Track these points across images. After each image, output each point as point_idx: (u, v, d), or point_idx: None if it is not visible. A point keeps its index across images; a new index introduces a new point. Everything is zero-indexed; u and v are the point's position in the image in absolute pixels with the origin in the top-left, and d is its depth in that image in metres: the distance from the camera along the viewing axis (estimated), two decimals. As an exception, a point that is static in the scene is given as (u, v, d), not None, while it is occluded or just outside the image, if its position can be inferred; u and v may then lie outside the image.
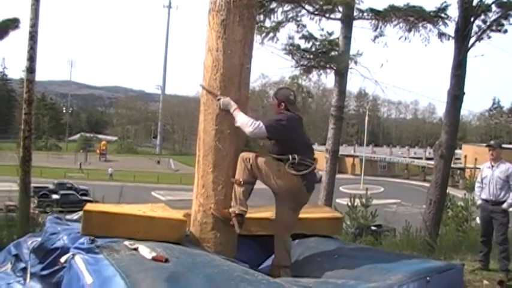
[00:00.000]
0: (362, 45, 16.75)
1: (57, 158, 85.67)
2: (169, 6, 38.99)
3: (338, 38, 16.34)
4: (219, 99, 5.14)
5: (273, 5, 15.16)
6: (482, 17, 18.68)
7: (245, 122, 5.04)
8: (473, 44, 18.25)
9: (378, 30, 16.53)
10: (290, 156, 5.02)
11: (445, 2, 17.16)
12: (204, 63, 5.31)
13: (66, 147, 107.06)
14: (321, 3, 15.10)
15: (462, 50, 17.84)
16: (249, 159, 5.10)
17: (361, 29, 16.53)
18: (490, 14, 18.72)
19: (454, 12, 17.58)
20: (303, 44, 16.27)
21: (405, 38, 16.51)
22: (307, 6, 15.29)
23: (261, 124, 5.01)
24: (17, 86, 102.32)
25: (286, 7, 15.48)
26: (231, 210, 5.12)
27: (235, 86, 5.20)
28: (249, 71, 5.35)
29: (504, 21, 19.10)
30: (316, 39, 16.22)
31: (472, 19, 18.05)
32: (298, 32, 16.30)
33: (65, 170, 69.95)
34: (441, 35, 17.05)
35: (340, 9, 16.07)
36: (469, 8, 17.74)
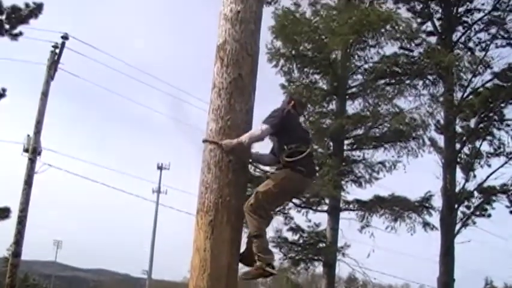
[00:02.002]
0: (350, 233, 16.88)
1: None
2: (158, 191, 39.96)
3: (325, 230, 16.54)
4: (220, 145, 5.32)
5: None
6: (466, 203, 19.20)
7: (250, 135, 5.34)
8: (459, 231, 18.54)
9: (365, 220, 16.86)
10: (286, 147, 5.32)
11: (429, 192, 17.76)
12: (192, 263, 5.28)
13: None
14: (308, 195, 15.50)
15: (448, 237, 18.05)
16: (249, 202, 5.24)
17: (348, 220, 16.90)
18: (473, 200, 19.29)
19: (437, 202, 18.10)
20: (291, 236, 16.51)
21: (391, 228, 16.78)
22: (294, 199, 15.67)
23: (262, 125, 5.40)
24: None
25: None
26: (258, 265, 5.12)
27: (223, 286, 5.12)
28: (236, 272, 5.32)
29: (487, 206, 19.63)
30: (303, 231, 16.46)
31: (456, 206, 18.52)
32: (285, 224, 16.62)
33: None
34: (426, 224, 17.37)
35: (327, 201, 16.46)
36: (452, 195, 18.28)
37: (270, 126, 5.38)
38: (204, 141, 5.49)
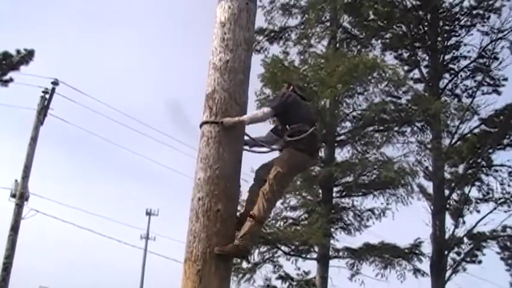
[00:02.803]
0: (339, 281, 16.77)
1: None
2: (147, 238, 39.31)
3: (315, 278, 16.40)
4: (222, 122, 5.33)
5: (250, 246, 15.54)
6: (456, 249, 19.11)
7: (252, 116, 5.50)
8: (449, 278, 18.40)
9: (354, 268, 16.78)
10: (288, 127, 5.48)
11: (419, 238, 17.73)
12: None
13: None
14: (297, 243, 15.42)
15: (439, 284, 17.89)
16: (265, 190, 5.29)
17: (338, 268, 16.81)
18: (463, 246, 19.21)
19: (427, 248, 18.04)
20: (280, 285, 16.38)
21: (382, 276, 16.70)
22: (283, 247, 15.58)
23: (264, 108, 5.64)
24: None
25: (263, 248, 15.79)
26: (236, 243, 5.09)
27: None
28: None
29: (477, 252, 19.54)
30: (292, 279, 16.35)
31: (446, 252, 18.42)
32: (274, 272, 16.49)
33: None
34: (416, 271, 17.29)
35: (316, 249, 16.37)
36: (442, 242, 18.19)
37: (272, 109, 5.57)
38: (203, 123, 5.53)
